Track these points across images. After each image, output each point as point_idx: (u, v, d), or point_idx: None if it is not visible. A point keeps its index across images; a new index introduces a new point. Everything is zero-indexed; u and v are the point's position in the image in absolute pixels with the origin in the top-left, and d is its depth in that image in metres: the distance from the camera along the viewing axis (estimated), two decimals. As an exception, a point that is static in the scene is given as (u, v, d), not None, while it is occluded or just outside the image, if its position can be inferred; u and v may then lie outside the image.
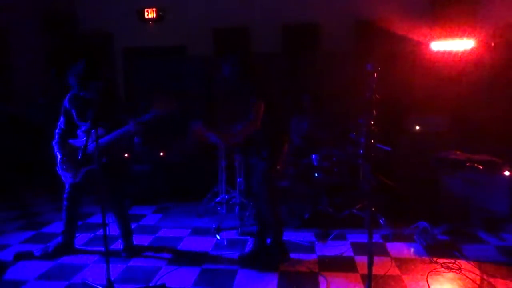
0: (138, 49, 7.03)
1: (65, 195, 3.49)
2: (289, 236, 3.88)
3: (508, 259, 3.31)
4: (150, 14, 6.87)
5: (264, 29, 6.57)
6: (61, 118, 3.42)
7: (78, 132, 3.39)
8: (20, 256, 3.48)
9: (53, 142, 3.44)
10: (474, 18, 5.73)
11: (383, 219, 3.95)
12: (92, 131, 2.83)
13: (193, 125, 3.13)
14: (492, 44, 5.26)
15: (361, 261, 3.30)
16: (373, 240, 2.72)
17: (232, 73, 3.21)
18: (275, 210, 3.30)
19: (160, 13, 6.86)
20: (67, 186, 3.47)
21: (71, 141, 3.40)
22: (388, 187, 4.45)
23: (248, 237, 3.88)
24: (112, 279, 2.74)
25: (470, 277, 2.99)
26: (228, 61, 3.24)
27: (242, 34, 6.70)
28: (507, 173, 3.99)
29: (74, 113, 3.34)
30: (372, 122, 2.36)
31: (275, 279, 3.04)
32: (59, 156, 3.38)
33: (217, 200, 4.70)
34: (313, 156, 4.28)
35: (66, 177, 3.42)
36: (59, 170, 3.41)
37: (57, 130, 3.44)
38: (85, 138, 3.20)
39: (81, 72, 3.17)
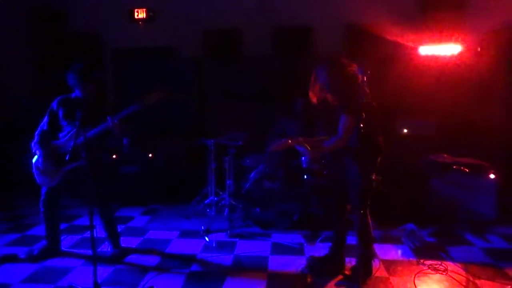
0: (127, 49, 6.96)
1: (41, 202, 3.41)
2: (278, 238, 3.89)
3: (494, 261, 3.36)
4: (140, 14, 6.82)
5: (255, 32, 6.57)
6: (45, 118, 3.36)
7: (61, 135, 3.31)
8: (5, 259, 3.42)
9: (32, 142, 3.33)
10: (462, 23, 5.83)
11: (372, 221, 3.97)
12: (80, 129, 2.81)
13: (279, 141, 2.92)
14: (479, 49, 5.34)
15: (350, 262, 3.31)
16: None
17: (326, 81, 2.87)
18: (365, 221, 2.99)
19: (150, 13, 6.82)
20: (42, 191, 3.40)
21: (54, 142, 3.31)
22: (377, 190, 4.48)
23: (237, 239, 3.87)
24: (100, 282, 2.71)
25: (457, 278, 3.03)
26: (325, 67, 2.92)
27: (233, 36, 6.70)
28: (492, 176, 4.06)
29: (60, 114, 3.29)
30: (362, 125, 2.37)
31: (264, 282, 3.04)
32: (38, 156, 3.28)
33: (206, 202, 4.69)
34: (303, 158, 4.29)
35: (42, 181, 3.34)
36: (34, 171, 3.33)
37: (37, 131, 3.35)
38: (69, 137, 3.17)
39: (80, 71, 3.18)
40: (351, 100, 2.77)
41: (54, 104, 3.34)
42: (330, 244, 3.28)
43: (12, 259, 3.42)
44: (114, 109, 3.35)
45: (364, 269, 2.99)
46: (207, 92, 6.15)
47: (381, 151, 2.94)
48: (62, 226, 3.62)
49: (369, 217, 2.98)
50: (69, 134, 3.24)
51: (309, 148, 2.79)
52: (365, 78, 2.50)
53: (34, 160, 3.33)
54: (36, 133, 3.35)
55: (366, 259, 3.02)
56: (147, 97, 3.11)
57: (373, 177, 2.90)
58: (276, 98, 5.71)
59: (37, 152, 3.30)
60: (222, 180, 4.64)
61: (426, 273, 3.12)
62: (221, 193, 4.73)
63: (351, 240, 3.75)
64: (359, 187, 2.90)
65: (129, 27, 6.90)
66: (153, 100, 3.12)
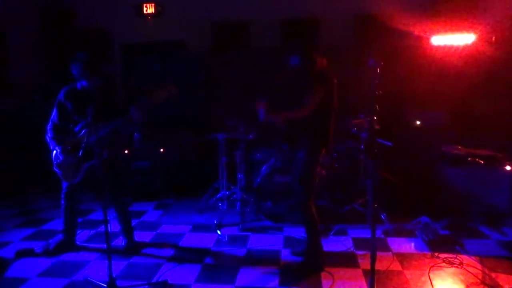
0: (136, 44, 6.98)
1: (62, 195, 3.47)
2: (290, 231, 3.89)
3: (510, 254, 3.32)
4: (149, 9, 6.83)
5: (264, 24, 6.54)
6: (54, 111, 3.32)
7: (76, 129, 3.30)
8: (22, 254, 3.48)
9: (47, 137, 3.33)
10: (475, 11, 5.70)
11: (385, 214, 3.95)
12: (92, 126, 2.82)
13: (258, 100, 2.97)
14: (493, 38, 5.23)
15: (363, 256, 3.30)
16: (375, 236, 2.71)
17: (301, 63, 3.06)
18: (309, 212, 3.10)
19: (159, 8, 6.82)
20: (64, 185, 3.44)
21: (70, 138, 3.30)
22: (390, 182, 4.44)
23: (250, 233, 3.88)
24: (114, 275, 2.74)
25: (472, 272, 3.00)
26: (298, 51, 3.10)
27: (241, 28, 6.67)
28: (508, 167, 3.99)
29: (69, 107, 3.26)
30: (375, 118, 2.34)
31: (277, 275, 3.04)
32: (57, 152, 3.29)
33: (218, 196, 4.70)
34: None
35: (65, 177, 3.37)
36: (56, 169, 3.36)
37: (49, 126, 3.33)
38: (83, 133, 3.18)
39: (85, 60, 3.16)
40: (323, 79, 2.96)
41: (61, 96, 3.29)
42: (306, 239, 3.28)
43: (28, 253, 3.48)
44: (124, 104, 3.36)
45: (312, 263, 3.09)
46: (216, 84, 6.14)
47: (327, 145, 3.07)
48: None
49: (313, 208, 3.09)
50: (83, 130, 3.24)
51: (266, 112, 2.91)
52: (378, 69, 2.45)
53: (53, 156, 3.34)
54: (48, 127, 3.33)
55: (313, 251, 3.10)
56: (155, 95, 3.09)
57: (317, 169, 3.06)
58: (285, 89, 5.66)
59: (56, 149, 3.30)
60: (233, 174, 4.64)
61: (441, 267, 3.09)
62: (232, 187, 4.73)
63: (360, 233, 3.76)
64: (302, 172, 3.02)
65: (138, 22, 6.91)
66: (161, 98, 3.10)
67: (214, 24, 6.72)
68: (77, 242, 3.66)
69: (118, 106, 3.30)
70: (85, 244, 3.71)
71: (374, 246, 2.35)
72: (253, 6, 6.54)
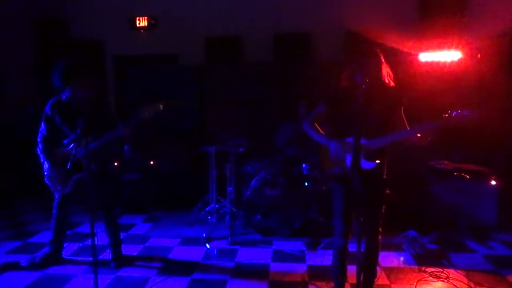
0: (129, 57, 7.02)
1: (54, 204, 3.44)
2: (279, 245, 3.89)
3: (496, 268, 3.35)
4: (142, 22, 6.89)
5: (256, 38, 6.63)
6: (42, 124, 3.29)
7: (65, 141, 3.27)
8: (7, 267, 3.43)
9: (38, 150, 3.32)
10: (462, 29, 5.86)
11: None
12: (82, 138, 2.82)
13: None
14: (479, 55, 5.36)
15: (351, 270, 3.30)
16: (362, 249, 2.73)
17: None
18: None
19: (152, 21, 6.89)
20: (56, 195, 3.43)
21: (60, 149, 3.29)
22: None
23: (238, 247, 3.87)
24: (100, 290, 2.72)
25: (458, 286, 3.02)
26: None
27: (234, 42, 6.75)
28: (493, 182, 4.06)
29: (57, 120, 3.23)
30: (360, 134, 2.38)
31: (265, 289, 3.04)
32: (46, 165, 3.30)
33: (207, 209, 4.69)
34: (303, 165, 4.30)
35: (55, 188, 3.37)
36: (47, 181, 3.36)
37: (39, 138, 3.31)
38: (73, 146, 3.18)
39: (64, 69, 3.09)
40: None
41: (47, 109, 3.25)
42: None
43: (13, 267, 3.42)
44: (116, 116, 3.36)
45: None
46: (208, 98, 6.19)
47: None
48: (64, 233, 3.63)
49: None
50: (72, 143, 3.24)
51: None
52: (363, 86, 2.51)
53: (44, 169, 3.33)
54: (39, 139, 3.33)
55: None
56: (141, 113, 3.09)
57: None
58: (277, 103, 5.74)
59: (45, 162, 3.29)
60: (223, 187, 4.65)
61: (428, 281, 3.11)
62: (222, 200, 4.74)
63: (349, 247, 3.76)
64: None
65: (131, 35, 6.96)
66: (147, 115, 3.09)
67: (207, 37, 6.79)
68: (64, 255, 3.61)
69: (112, 119, 3.30)
70: (72, 257, 3.66)
71: (360, 260, 2.37)
72: (246, 20, 6.64)
